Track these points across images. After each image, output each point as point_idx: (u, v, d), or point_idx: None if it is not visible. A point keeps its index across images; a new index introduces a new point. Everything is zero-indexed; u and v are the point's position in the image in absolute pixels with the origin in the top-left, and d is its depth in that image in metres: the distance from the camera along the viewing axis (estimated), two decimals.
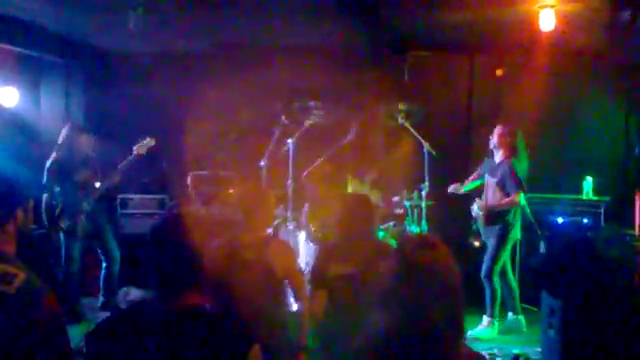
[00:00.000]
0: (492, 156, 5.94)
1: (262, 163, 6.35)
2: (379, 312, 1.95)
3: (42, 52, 7.23)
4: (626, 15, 5.33)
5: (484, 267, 5.78)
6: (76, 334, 3.30)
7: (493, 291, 5.76)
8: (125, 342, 1.89)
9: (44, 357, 2.03)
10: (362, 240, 3.62)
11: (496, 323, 5.80)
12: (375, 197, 6.66)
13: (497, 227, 5.76)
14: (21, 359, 2.01)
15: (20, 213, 2.26)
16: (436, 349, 1.87)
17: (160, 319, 1.91)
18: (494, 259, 5.74)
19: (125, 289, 6.27)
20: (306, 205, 6.27)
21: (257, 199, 3.66)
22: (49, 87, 7.71)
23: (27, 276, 2.12)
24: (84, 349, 2.08)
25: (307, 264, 5.70)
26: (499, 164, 5.81)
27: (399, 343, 1.88)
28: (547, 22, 5.67)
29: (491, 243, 5.81)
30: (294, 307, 4.13)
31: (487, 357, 4.89)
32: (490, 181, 5.87)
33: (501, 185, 5.73)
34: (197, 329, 1.90)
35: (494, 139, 5.85)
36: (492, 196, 5.82)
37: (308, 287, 3.84)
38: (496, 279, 5.77)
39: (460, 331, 1.94)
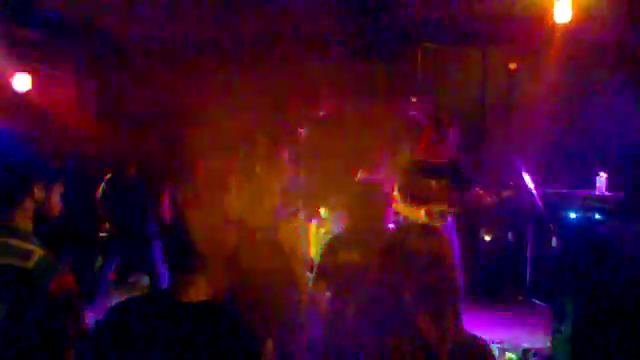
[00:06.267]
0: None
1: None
2: (384, 300, 1.95)
3: (55, 37, 7.22)
4: None
5: None
6: None
7: None
8: (134, 331, 1.84)
9: (60, 331, 2.07)
10: (372, 228, 3.53)
11: None
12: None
13: None
14: (39, 332, 2.04)
15: (38, 191, 2.25)
16: (435, 335, 1.86)
17: (169, 312, 1.85)
18: None
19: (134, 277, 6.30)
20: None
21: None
22: (61, 73, 7.71)
23: (44, 252, 2.15)
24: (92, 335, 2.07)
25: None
26: None
27: (402, 328, 1.88)
28: (563, 13, 5.59)
29: None
30: None
31: (497, 349, 4.89)
32: None
33: None
34: (208, 324, 1.82)
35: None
36: None
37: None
38: None
39: (458, 316, 1.95)
